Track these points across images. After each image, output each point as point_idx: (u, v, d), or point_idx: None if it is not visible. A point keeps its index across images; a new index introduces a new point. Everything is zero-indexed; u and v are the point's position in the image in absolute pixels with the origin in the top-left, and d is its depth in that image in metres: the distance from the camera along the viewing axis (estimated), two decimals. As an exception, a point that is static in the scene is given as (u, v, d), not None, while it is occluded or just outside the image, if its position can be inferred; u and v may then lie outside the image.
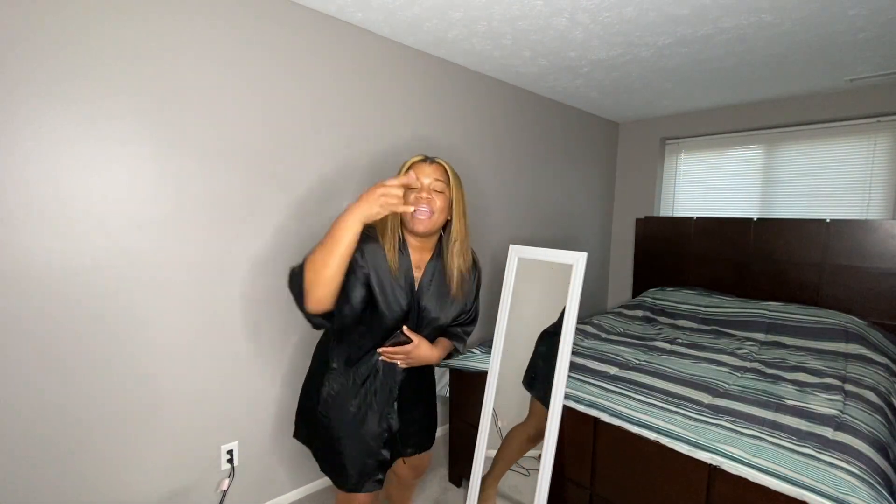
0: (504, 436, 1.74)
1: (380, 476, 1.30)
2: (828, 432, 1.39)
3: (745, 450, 1.29)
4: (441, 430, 2.55)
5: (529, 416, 1.69)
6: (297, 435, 1.42)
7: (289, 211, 1.80)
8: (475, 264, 1.39)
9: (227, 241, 1.65)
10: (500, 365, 1.78)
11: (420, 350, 1.25)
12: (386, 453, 1.31)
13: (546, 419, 1.59)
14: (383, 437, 1.29)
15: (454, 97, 2.39)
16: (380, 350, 1.25)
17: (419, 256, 1.28)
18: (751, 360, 2.11)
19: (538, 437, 1.63)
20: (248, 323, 1.73)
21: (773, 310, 2.60)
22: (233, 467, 1.73)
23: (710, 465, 1.30)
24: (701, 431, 1.39)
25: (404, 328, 1.24)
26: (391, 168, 2.12)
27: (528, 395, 1.71)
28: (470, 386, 1.96)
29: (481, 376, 1.86)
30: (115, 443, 1.47)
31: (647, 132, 3.57)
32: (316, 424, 1.29)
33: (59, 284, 1.33)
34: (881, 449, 1.36)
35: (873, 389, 1.77)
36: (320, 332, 1.92)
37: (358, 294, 1.18)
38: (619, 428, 1.50)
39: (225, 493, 1.70)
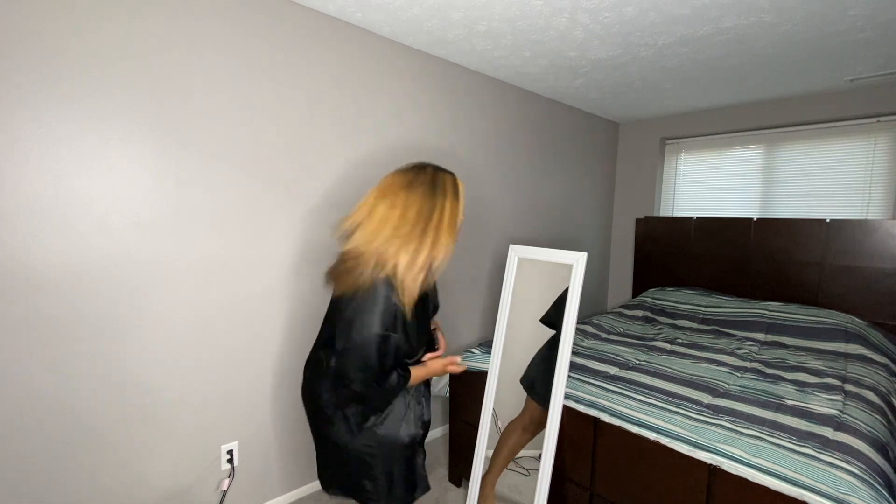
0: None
1: None
2: (828, 432, 1.39)
3: (745, 450, 1.29)
4: (441, 430, 2.55)
5: (524, 409, 1.70)
6: (331, 484, 1.32)
7: (288, 210, 1.80)
8: None
9: (228, 241, 1.65)
10: (500, 365, 1.78)
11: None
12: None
13: (540, 410, 1.59)
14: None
15: (454, 97, 2.39)
16: (450, 367, 1.33)
17: None
18: (751, 360, 2.11)
19: (533, 427, 1.64)
20: (248, 323, 1.73)
21: (773, 310, 2.60)
22: (233, 467, 1.73)
23: (710, 465, 1.30)
24: (701, 431, 1.39)
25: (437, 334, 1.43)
26: (391, 167, 2.12)
27: (525, 393, 1.71)
28: (470, 386, 1.96)
29: (481, 376, 1.86)
30: (115, 443, 1.47)
31: (647, 132, 3.57)
32: (377, 449, 1.23)
33: (60, 284, 1.33)
34: (881, 449, 1.36)
35: (873, 389, 1.77)
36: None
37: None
38: (619, 428, 1.50)
39: (225, 493, 1.70)
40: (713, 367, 1.98)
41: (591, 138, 3.44)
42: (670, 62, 2.28)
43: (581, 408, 1.61)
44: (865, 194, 2.69)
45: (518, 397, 1.74)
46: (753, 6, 1.69)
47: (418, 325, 1.23)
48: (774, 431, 1.39)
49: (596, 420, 1.57)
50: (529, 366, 1.71)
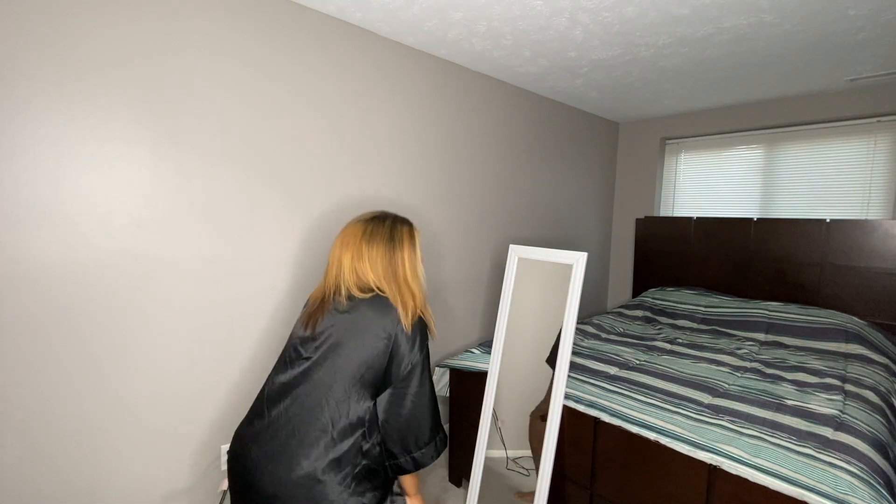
0: (502, 431, 1.74)
1: None
2: (828, 432, 1.39)
3: (745, 450, 1.29)
4: (441, 430, 2.55)
5: (545, 398, 1.68)
6: None
7: (290, 210, 1.80)
8: None
9: (228, 241, 1.65)
10: (500, 365, 1.78)
11: None
12: None
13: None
14: None
15: (454, 97, 2.39)
16: None
17: None
18: (751, 360, 2.11)
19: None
20: (248, 323, 1.73)
21: (773, 310, 2.60)
22: (233, 467, 1.73)
23: (710, 465, 1.30)
24: (701, 431, 1.39)
25: None
26: (390, 166, 2.12)
27: (525, 392, 1.71)
28: (470, 386, 1.96)
29: (481, 376, 1.86)
30: (114, 443, 1.47)
31: (647, 132, 3.57)
32: None
33: (60, 284, 1.33)
34: (881, 449, 1.36)
35: (873, 389, 1.77)
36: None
37: None
38: (619, 428, 1.50)
39: (225, 493, 1.70)
40: (713, 367, 1.98)
41: (591, 138, 3.44)
42: (670, 62, 2.28)
43: (581, 408, 1.61)
44: (865, 194, 2.69)
45: (519, 397, 1.74)
46: (753, 6, 1.69)
47: None
48: (774, 431, 1.39)
49: (596, 420, 1.57)
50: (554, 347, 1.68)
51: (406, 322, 1.17)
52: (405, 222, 1.32)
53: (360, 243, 1.23)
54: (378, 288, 1.21)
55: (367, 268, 1.21)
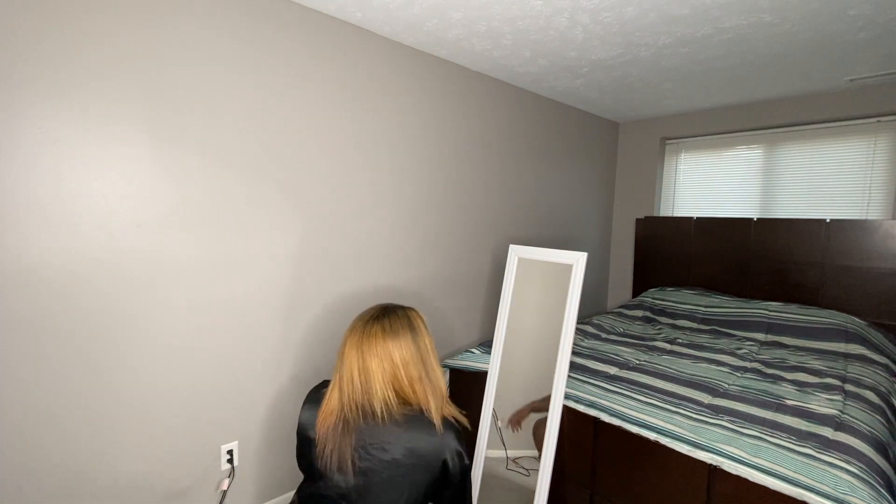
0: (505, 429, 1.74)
1: None
2: (828, 432, 1.39)
3: (745, 450, 1.29)
4: (441, 430, 2.55)
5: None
6: None
7: (290, 210, 1.80)
8: None
9: (228, 241, 1.65)
10: (500, 365, 1.79)
11: None
12: None
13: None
14: None
15: (454, 97, 2.39)
16: None
17: None
18: (751, 360, 2.11)
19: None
20: (248, 322, 1.73)
21: (773, 310, 2.60)
22: (233, 467, 1.73)
23: (710, 465, 1.30)
24: (701, 431, 1.39)
25: None
26: (389, 167, 2.12)
27: (525, 392, 1.71)
28: (470, 386, 1.96)
29: (481, 376, 1.86)
30: (114, 443, 1.47)
31: (647, 132, 3.58)
32: None
33: (60, 284, 1.33)
34: (881, 449, 1.36)
35: (873, 389, 1.77)
36: (318, 335, 1.93)
37: None
38: (619, 428, 1.51)
39: (225, 493, 1.70)
40: (713, 367, 1.99)
41: (591, 138, 3.44)
42: (670, 62, 2.28)
43: (581, 408, 1.61)
44: (865, 194, 2.69)
45: (519, 397, 1.74)
46: (753, 6, 1.69)
47: None
48: (774, 431, 1.39)
49: (596, 420, 1.57)
50: None
51: (454, 446, 1.16)
52: (413, 309, 1.28)
53: (386, 341, 1.16)
54: (414, 396, 1.17)
55: (404, 385, 1.16)
